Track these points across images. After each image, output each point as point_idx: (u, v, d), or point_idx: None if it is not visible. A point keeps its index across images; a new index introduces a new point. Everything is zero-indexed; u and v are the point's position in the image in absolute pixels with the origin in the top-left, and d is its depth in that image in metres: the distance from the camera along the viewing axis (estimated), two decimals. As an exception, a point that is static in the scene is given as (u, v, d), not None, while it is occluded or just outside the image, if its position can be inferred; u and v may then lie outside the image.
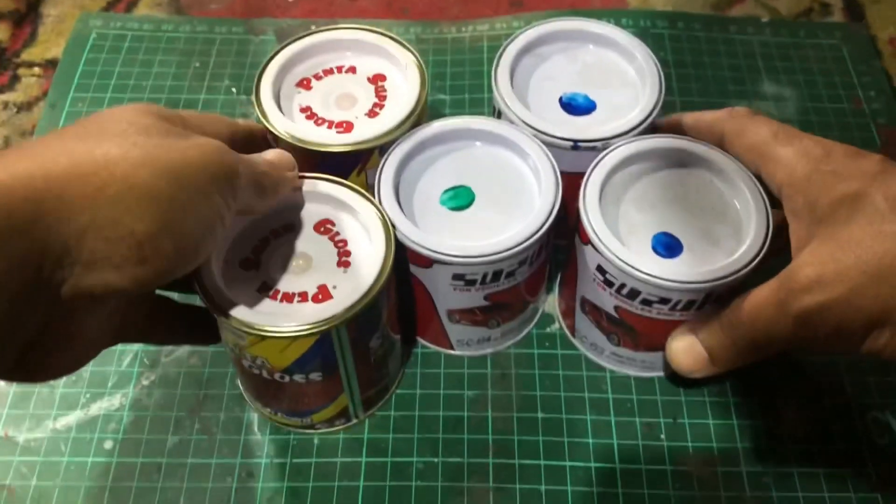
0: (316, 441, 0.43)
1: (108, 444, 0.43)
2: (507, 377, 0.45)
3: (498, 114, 0.44)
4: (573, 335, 0.46)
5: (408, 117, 0.42)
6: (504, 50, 0.45)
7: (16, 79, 0.60)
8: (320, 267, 0.38)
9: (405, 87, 0.44)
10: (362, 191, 0.39)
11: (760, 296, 0.34)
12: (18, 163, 0.25)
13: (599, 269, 0.39)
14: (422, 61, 0.45)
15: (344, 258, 0.38)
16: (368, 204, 0.39)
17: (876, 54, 0.61)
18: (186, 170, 0.29)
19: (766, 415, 0.44)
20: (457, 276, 0.39)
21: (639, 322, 0.40)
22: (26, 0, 0.65)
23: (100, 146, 0.27)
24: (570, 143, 0.41)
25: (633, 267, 0.36)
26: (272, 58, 0.45)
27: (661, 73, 0.44)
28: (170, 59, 0.60)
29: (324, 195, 0.39)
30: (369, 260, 0.37)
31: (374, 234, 0.38)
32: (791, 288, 0.32)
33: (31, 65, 0.61)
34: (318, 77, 0.46)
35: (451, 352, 0.46)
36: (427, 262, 0.38)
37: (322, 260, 0.38)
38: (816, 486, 0.41)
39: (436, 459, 0.42)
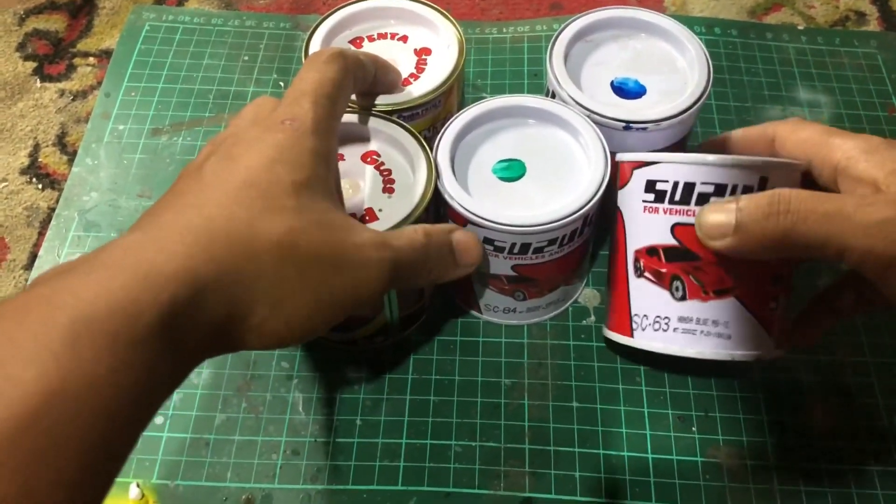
0: (358, 422, 0.45)
1: (159, 420, 0.45)
2: (544, 367, 0.47)
3: (552, 95, 0.45)
4: (630, 322, 0.41)
5: (435, 89, 0.45)
6: (558, 36, 0.47)
7: (72, 68, 0.62)
8: (367, 192, 0.41)
9: (443, 64, 0.47)
10: (407, 126, 0.43)
11: (834, 199, 0.32)
12: (179, 245, 0.27)
13: (649, 184, 0.38)
14: (463, 37, 0.48)
15: (388, 185, 0.42)
16: (412, 139, 0.42)
17: (911, 63, 0.61)
18: (357, 291, 0.32)
19: (796, 412, 0.45)
20: (487, 241, 0.41)
21: (701, 246, 0.37)
22: (81, -8, 0.67)
23: (265, 223, 0.29)
24: (622, 124, 0.42)
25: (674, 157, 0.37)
26: (326, 18, 0.49)
27: (710, 63, 0.45)
28: (219, 51, 0.62)
29: (371, 129, 0.43)
30: (412, 188, 0.40)
31: (418, 165, 0.41)
32: (872, 198, 0.31)
33: (86, 55, 0.63)
34: (371, 39, 0.50)
35: (479, 315, 0.48)
36: (462, 222, 0.40)
37: (369, 186, 0.42)
38: (844, 482, 0.43)
39: (473, 443, 0.44)
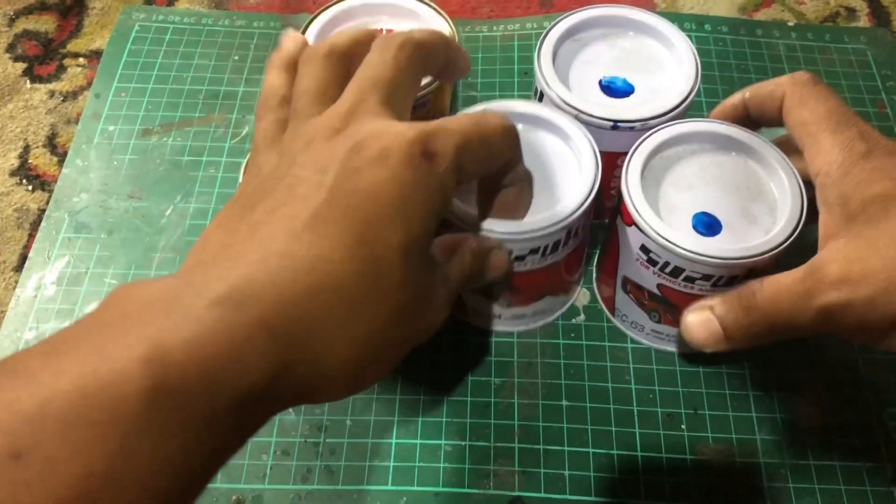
0: (348, 422, 0.45)
1: (149, 420, 0.45)
2: (534, 366, 0.47)
3: (540, 95, 0.45)
4: (613, 314, 0.48)
5: (424, 86, 0.45)
6: (546, 35, 0.47)
7: (62, 69, 0.62)
8: None
9: None
10: None
11: (784, 283, 0.33)
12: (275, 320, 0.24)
13: (643, 248, 0.40)
14: (456, 32, 0.48)
15: None
16: None
17: (901, 59, 0.61)
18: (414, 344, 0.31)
19: (785, 408, 0.45)
20: None
21: (681, 299, 0.40)
22: (71, -8, 0.67)
23: (371, 302, 0.27)
24: (610, 123, 0.42)
25: (676, 245, 0.37)
26: (318, 15, 0.49)
27: (699, 60, 0.45)
28: (209, 51, 0.62)
29: None
30: None
31: None
32: (816, 280, 0.32)
33: (76, 55, 0.63)
34: None
35: (466, 319, 0.48)
36: (448, 224, 0.40)
37: None
38: (833, 478, 0.43)
39: (463, 443, 0.44)
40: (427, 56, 0.33)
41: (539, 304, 0.46)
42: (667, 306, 0.42)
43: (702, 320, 0.36)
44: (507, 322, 0.47)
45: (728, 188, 0.41)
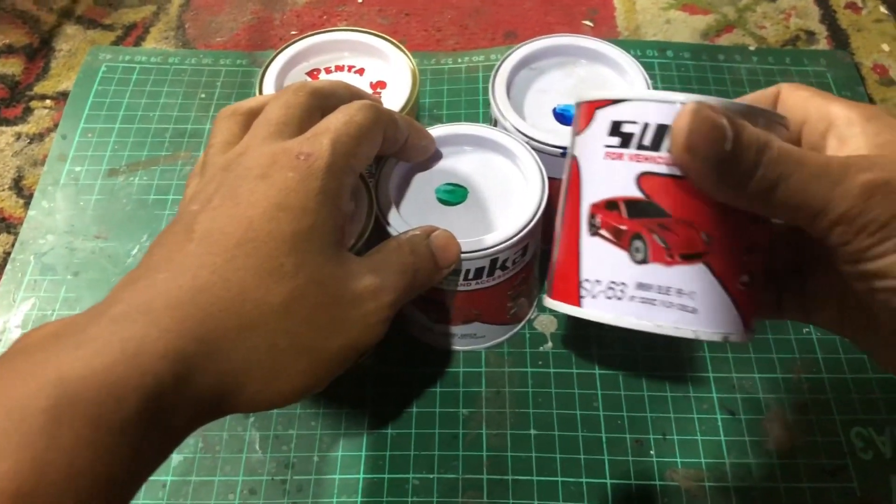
0: (315, 458, 0.44)
1: (114, 463, 0.45)
2: (501, 395, 0.47)
3: (494, 123, 0.46)
4: (579, 300, 0.33)
5: None
6: (501, 63, 0.47)
7: (28, 111, 0.62)
8: None
9: (398, 96, 0.47)
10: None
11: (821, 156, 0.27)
12: (169, 321, 0.26)
13: (614, 127, 0.32)
14: (416, 68, 0.48)
15: None
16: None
17: (860, 80, 0.62)
18: (357, 345, 0.32)
19: (753, 431, 0.45)
20: None
21: (672, 195, 0.31)
22: (39, 35, 0.67)
23: (260, 290, 0.28)
24: (560, 151, 0.43)
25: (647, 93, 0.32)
26: (281, 51, 0.50)
27: (650, 85, 0.46)
28: (176, 90, 0.62)
29: None
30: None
31: (360, 197, 0.41)
32: (856, 161, 0.26)
33: (43, 97, 0.63)
34: (328, 71, 0.51)
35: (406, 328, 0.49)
36: (384, 233, 0.40)
37: None
38: (802, 500, 0.43)
39: (431, 475, 0.44)
40: (327, 96, 0.36)
41: (466, 327, 0.46)
42: (655, 216, 0.31)
43: (709, 114, 0.26)
44: (437, 338, 0.48)
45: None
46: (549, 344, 0.49)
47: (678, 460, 0.44)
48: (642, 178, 0.31)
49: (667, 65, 0.63)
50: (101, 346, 0.24)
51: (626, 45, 0.64)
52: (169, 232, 0.30)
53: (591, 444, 0.45)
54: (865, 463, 0.44)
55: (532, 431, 0.45)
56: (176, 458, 0.45)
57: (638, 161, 0.31)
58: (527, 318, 0.50)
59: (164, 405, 0.25)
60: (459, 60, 0.64)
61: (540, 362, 0.48)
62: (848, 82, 0.62)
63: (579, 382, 0.47)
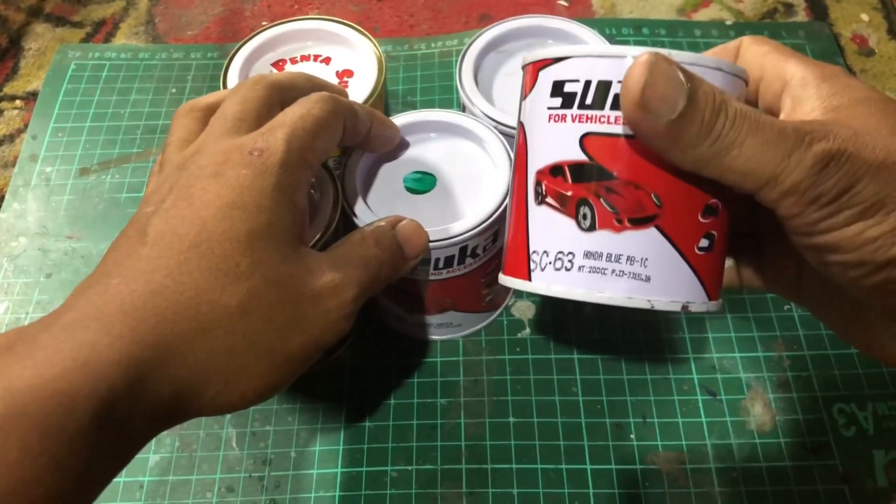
0: (293, 454, 0.44)
1: (91, 465, 0.44)
2: (480, 383, 0.46)
3: (463, 108, 0.45)
4: (528, 274, 0.31)
5: None
6: (467, 50, 0.47)
7: (-2, 112, 0.62)
8: None
9: (363, 85, 0.46)
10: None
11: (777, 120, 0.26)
12: (122, 326, 0.25)
13: (556, 86, 0.30)
14: (383, 56, 0.48)
15: None
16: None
17: (839, 51, 0.62)
18: (319, 342, 0.31)
19: (734, 411, 0.45)
20: None
21: (615, 154, 0.29)
22: (7, 35, 0.67)
23: (215, 293, 0.28)
24: None
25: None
26: (245, 42, 0.49)
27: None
28: (147, 86, 0.62)
29: None
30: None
31: (325, 189, 0.40)
32: (814, 127, 0.25)
33: (13, 98, 0.63)
34: (294, 61, 0.50)
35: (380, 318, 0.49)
36: (351, 224, 0.39)
37: None
38: (784, 479, 0.42)
39: (409, 467, 0.43)
40: (286, 89, 0.35)
41: (441, 316, 0.46)
42: (601, 179, 0.29)
43: (665, 67, 0.25)
44: (413, 329, 0.47)
45: None
46: (527, 330, 0.48)
47: (659, 443, 0.44)
48: (586, 140, 0.29)
49: (642, 42, 0.62)
50: (51, 355, 0.24)
51: (600, 24, 0.64)
52: (123, 236, 0.29)
53: (571, 429, 0.44)
54: (847, 439, 0.43)
55: (511, 419, 0.45)
56: (152, 457, 0.44)
57: (581, 122, 0.29)
58: (504, 304, 0.49)
59: (119, 413, 0.24)
60: (433, 45, 0.63)
61: (518, 349, 0.47)
62: (826, 54, 0.61)
63: (558, 368, 0.46)
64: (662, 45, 0.62)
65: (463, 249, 0.39)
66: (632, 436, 0.44)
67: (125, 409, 0.24)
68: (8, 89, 0.63)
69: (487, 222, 0.38)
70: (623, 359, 0.47)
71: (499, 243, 0.42)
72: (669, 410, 0.45)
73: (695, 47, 0.62)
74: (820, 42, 0.62)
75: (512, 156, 0.40)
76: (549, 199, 0.31)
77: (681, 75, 0.24)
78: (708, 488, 0.42)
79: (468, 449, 0.44)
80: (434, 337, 0.48)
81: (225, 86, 0.47)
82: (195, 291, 0.27)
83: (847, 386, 0.45)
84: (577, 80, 0.29)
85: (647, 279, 0.29)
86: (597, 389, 0.46)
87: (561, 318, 0.49)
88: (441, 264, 0.40)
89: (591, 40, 0.46)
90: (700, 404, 0.45)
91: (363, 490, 0.43)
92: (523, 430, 0.44)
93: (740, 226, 0.33)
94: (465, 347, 0.48)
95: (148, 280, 0.27)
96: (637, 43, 0.62)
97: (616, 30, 0.63)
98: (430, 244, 0.38)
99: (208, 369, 0.27)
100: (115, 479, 0.42)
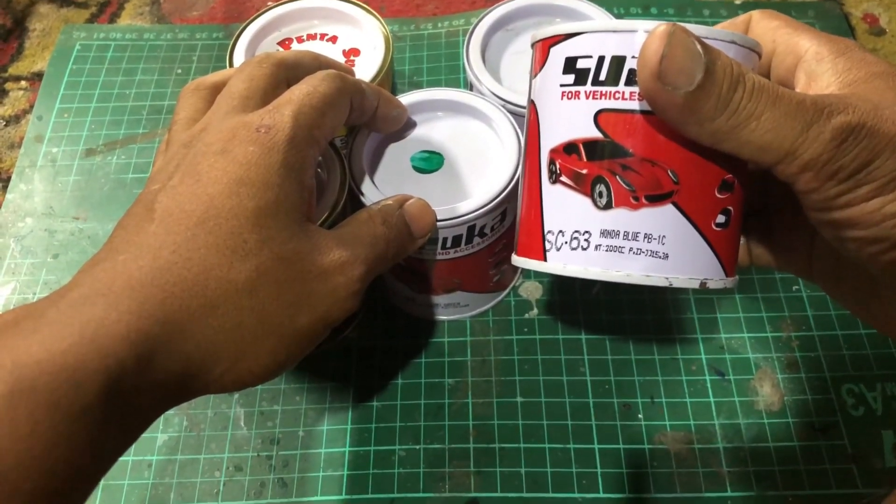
0: (301, 433, 0.44)
1: (99, 444, 0.44)
2: (487, 364, 0.46)
3: (470, 87, 0.45)
4: (544, 254, 0.31)
5: None
6: (475, 28, 0.46)
7: (3, 93, 0.61)
8: None
9: (370, 64, 0.46)
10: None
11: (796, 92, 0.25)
12: (130, 301, 0.25)
13: (568, 63, 0.30)
14: (390, 34, 0.47)
15: None
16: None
17: (850, 31, 0.61)
18: (327, 319, 0.31)
19: (742, 391, 0.44)
20: None
21: (632, 127, 0.29)
22: (12, 15, 0.66)
23: (223, 269, 0.28)
24: None
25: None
26: (251, 21, 0.49)
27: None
28: (152, 66, 0.61)
29: None
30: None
31: (332, 167, 0.40)
32: (832, 101, 0.25)
33: (18, 79, 0.62)
34: (300, 40, 0.49)
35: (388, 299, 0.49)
36: (358, 203, 0.39)
37: None
38: (792, 459, 0.42)
39: (417, 446, 0.43)
40: (292, 67, 0.35)
41: (449, 296, 0.45)
42: (617, 157, 0.29)
43: (684, 38, 0.24)
44: (422, 309, 0.47)
45: None
46: (535, 311, 0.48)
47: (667, 423, 0.44)
48: (601, 116, 0.29)
49: (651, 22, 0.62)
50: (58, 330, 0.24)
51: (608, 3, 0.63)
52: (130, 213, 0.29)
53: (579, 409, 0.44)
54: (856, 419, 0.43)
55: (518, 399, 0.45)
56: (161, 437, 0.44)
57: (595, 98, 0.29)
58: (511, 285, 0.49)
59: (127, 388, 0.24)
60: (439, 25, 0.63)
61: (525, 329, 0.47)
62: (837, 33, 0.59)
63: (565, 348, 0.46)
64: (671, 24, 0.62)
65: (471, 229, 0.39)
66: (639, 416, 0.44)
67: (133, 384, 0.24)
68: (13, 70, 0.63)
69: (495, 201, 0.38)
70: (631, 339, 0.47)
71: (507, 223, 0.41)
72: (677, 390, 0.45)
73: (704, 27, 0.61)
74: (830, 21, 0.61)
75: (521, 135, 0.40)
76: (563, 178, 0.30)
77: (699, 47, 0.24)
78: (716, 468, 0.42)
79: (475, 428, 0.44)
80: (441, 317, 0.48)
81: (231, 65, 0.46)
82: (203, 268, 0.27)
83: (856, 366, 0.45)
84: (591, 56, 0.28)
85: (665, 256, 0.29)
86: (604, 369, 0.45)
87: (568, 298, 0.48)
88: (448, 244, 0.40)
89: (600, 18, 0.46)
90: (708, 384, 0.45)
91: (371, 469, 0.43)
92: (531, 409, 0.44)
93: (752, 202, 0.33)
94: (473, 327, 0.48)
95: (156, 256, 0.27)
96: (645, 22, 0.61)
97: (624, 9, 0.63)
98: (438, 223, 0.38)
99: (216, 346, 0.27)
100: (123, 458, 0.43)
